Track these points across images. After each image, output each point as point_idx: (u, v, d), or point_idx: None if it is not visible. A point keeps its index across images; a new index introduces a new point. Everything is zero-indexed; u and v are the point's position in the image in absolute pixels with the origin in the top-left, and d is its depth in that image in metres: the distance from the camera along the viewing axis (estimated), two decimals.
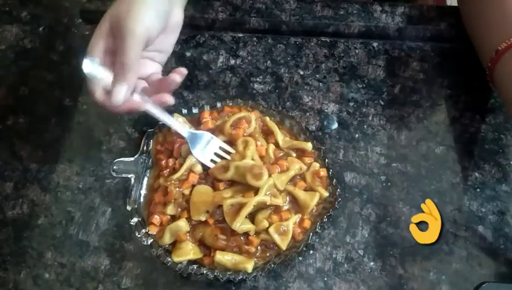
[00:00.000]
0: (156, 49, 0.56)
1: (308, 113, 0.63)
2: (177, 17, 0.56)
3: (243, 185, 0.53)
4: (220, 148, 0.56)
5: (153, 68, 0.57)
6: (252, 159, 0.55)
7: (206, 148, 0.56)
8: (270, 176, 0.54)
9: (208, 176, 0.55)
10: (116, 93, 0.49)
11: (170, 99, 0.54)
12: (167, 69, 0.66)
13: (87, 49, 0.51)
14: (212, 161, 0.56)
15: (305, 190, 0.56)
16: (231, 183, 0.55)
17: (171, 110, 0.62)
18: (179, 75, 0.53)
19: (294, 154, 0.58)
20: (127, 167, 0.58)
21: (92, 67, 0.50)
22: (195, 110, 0.61)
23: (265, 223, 0.53)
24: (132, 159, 0.58)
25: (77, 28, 0.71)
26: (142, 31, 0.50)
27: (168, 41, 0.57)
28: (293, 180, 0.56)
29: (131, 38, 0.49)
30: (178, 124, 0.56)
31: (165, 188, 0.55)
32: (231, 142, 0.57)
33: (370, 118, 0.63)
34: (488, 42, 0.57)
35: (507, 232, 0.56)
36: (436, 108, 0.64)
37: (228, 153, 0.56)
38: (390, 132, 0.62)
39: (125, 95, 0.50)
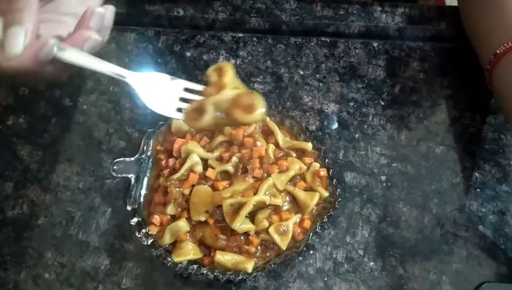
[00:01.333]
0: (69, 12, 0.44)
1: (308, 113, 0.63)
2: None
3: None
4: (186, 89, 0.43)
5: (65, 30, 0.43)
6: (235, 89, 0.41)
7: (167, 95, 0.42)
8: (269, 176, 0.54)
9: (207, 176, 0.55)
10: (11, 38, 0.37)
11: (93, 35, 0.41)
12: (167, 70, 0.67)
13: None
14: (178, 109, 0.43)
15: (305, 190, 0.56)
16: (229, 178, 0.55)
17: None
18: (103, 9, 0.41)
19: (294, 154, 0.57)
20: (127, 167, 0.57)
21: None
22: None
23: (265, 223, 0.53)
24: (132, 159, 0.58)
25: None
26: None
27: (86, 2, 0.44)
28: (293, 180, 0.56)
29: None
30: (114, 67, 0.42)
31: (165, 188, 0.55)
32: (231, 142, 0.57)
33: (370, 118, 0.63)
34: (487, 45, 0.58)
35: (507, 232, 0.56)
36: (436, 108, 0.64)
37: (199, 93, 0.42)
38: (390, 132, 0.62)
39: (25, 40, 0.37)
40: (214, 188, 0.54)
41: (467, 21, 0.64)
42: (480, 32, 0.60)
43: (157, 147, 0.58)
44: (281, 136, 0.58)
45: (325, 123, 0.63)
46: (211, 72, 0.42)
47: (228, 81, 0.41)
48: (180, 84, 0.43)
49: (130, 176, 0.57)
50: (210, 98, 0.40)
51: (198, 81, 0.65)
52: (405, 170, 0.60)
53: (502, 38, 0.55)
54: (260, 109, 0.39)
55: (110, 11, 0.42)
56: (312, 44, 0.68)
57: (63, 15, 0.43)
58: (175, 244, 0.54)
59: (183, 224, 0.53)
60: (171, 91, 0.42)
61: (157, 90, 0.42)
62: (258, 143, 0.56)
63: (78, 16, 0.42)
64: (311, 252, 0.55)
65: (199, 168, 0.55)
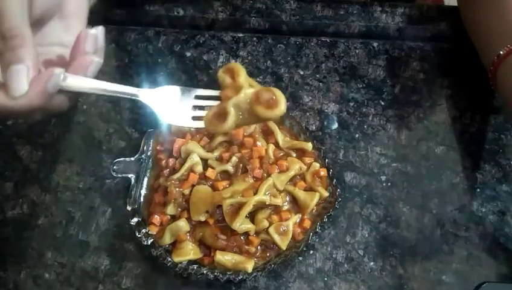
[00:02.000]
0: (55, 41, 0.42)
1: (308, 113, 0.63)
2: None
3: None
4: (197, 97, 0.42)
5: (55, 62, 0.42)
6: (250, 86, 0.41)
7: (180, 106, 0.42)
8: (269, 176, 0.54)
9: (207, 177, 0.55)
10: (14, 77, 0.35)
11: (94, 58, 0.39)
12: (167, 70, 0.67)
13: None
14: (194, 118, 0.42)
15: (305, 190, 0.56)
16: (229, 178, 0.55)
17: None
18: (94, 30, 0.39)
19: (294, 154, 0.57)
20: (127, 167, 0.57)
21: None
22: None
23: (265, 223, 0.53)
24: (132, 159, 0.58)
25: None
26: None
27: (70, 29, 0.42)
28: (293, 180, 0.56)
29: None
30: (125, 87, 0.41)
31: (165, 188, 0.55)
32: (231, 142, 0.57)
33: (370, 118, 0.63)
34: (489, 46, 0.57)
35: (507, 232, 0.56)
36: (436, 108, 0.64)
37: (214, 98, 0.42)
38: (390, 132, 0.62)
39: (28, 77, 0.35)
40: (214, 188, 0.54)
41: (467, 21, 0.64)
42: (482, 32, 0.60)
43: (157, 147, 0.58)
44: (281, 136, 0.58)
45: (325, 123, 0.63)
46: (223, 75, 0.42)
47: (243, 81, 0.41)
48: (192, 92, 0.43)
49: (130, 176, 0.57)
50: (230, 100, 0.39)
51: (198, 81, 0.66)
52: (405, 170, 0.60)
53: (504, 39, 0.55)
54: (282, 102, 0.39)
55: (100, 32, 0.40)
56: (312, 44, 0.68)
57: (50, 46, 0.42)
58: (175, 244, 0.54)
59: (183, 224, 0.53)
60: (183, 101, 0.42)
61: (171, 103, 0.41)
62: (258, 143, 0.56)
63: (64, 45, 0.41)
64: (311, 252, 0.55)
65: (199, 168, 0.55)
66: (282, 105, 0.38)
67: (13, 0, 0.35)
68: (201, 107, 0.41)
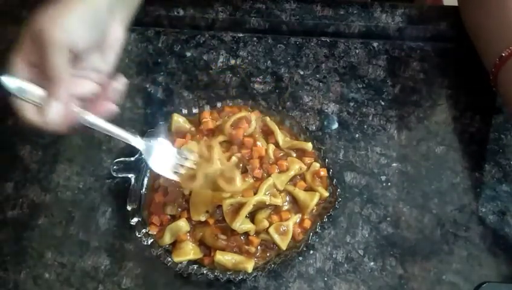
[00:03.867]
0: (91, 67, 0.50)
1: (308, 113, 0.63)
2: (117, 33, 0.51)
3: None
4: (179, 153, 0.53)
5: (89, 88, 0.50)
6: (220, 163, 0.52)
7: (166, 159, 0.53)
8: (269, 176, 0.54)
9: None
10: (47, 110, 0.45)
11: (113, 107, 0.49)
12: (166, 69, 0.67)
13: (9, 63, 0.46)
14: (175, 172, 0.52)
15: (305, 190, 0.56)
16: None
17: (171, 111, 0.62)
18: (119, 83, 0.49)
19: (295, 154, 0.57)
20: (127, 167, 0.57)
21: (17, 83, 0.45)
22: (195, 110, 0.61)
23: (266, 223, 0.53)
24: (132, 159, 0.58)
25: None
26: (62, 38, 0.45)
27: (106, 59, 0.51)
28: (293, 180, 0.56)
29: (51, 47, 0.44)
30: (127, 134, 0.51)
31: (165, 188, 0.55)
32: (231, 142, 0.57)
33: (370, 118, 0.63)
34: (491, 48, 0.57)
35: (507, 232, 0.56)
36: (436, 108, 0.64)
37: (192, 160, 0.53)
38: (390, 132, 0.62)
39: (58, 112, 0.45)
40: None
41: (468, 22, 0.64)
42: (483, 33, 0.60)
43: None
44: (281, 136, 0.58)
45: (325, 123, 0.63)
46: (202, 146, 0.53)
47: (215, 157, 0.52)
48: (179, 152, 0.53)
49: (130, 176, 0.57)
50: (201, 168, 0.51)
51: (198, 81, 0.66)
52: (405, 170, 0.60)
53: (506, 41, 0.55)
54: (238, 182, 0.51)
55: (124, 85, 0.50)
56: (312, 44, 0.68)
57: (88, 71, 0.50)
58: (175, 244, 0.54)
59: (183, 224, 0.53)
60: (170, 156, 0.53)
61: (159, 155, 0.52)
62: (258, 143, 0.56)
63: (98, 71, 0.50)
64: (311, 252, 0.55)
65: None
66: (238, 184, 0.51)
67: (55, 50, 0.44)
68: (180, 165, 0.52)
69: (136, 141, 0.52)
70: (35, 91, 0.46)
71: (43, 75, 0.46)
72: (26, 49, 0.46)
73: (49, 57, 0.45)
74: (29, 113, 0.46)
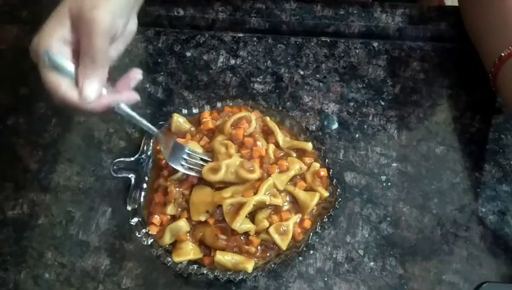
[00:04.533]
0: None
1: (308, 113, 0.63)
2: (133, 23, 0.53)
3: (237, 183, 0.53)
4: (193, 155, 0.55)
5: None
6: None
7: (179, 154, 0.55)
8: (269, 176, 0.54)
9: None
10: (87, 89, 0.46)
11: (135, 95, 0.51)
12: (166, 69, 0.67)
13: (40, 38, 0.46)
14: (190, 168, 0.54)
15: (305, 190, 0.56)
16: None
17: (171, 111, 0.62)
18: (137, 73, 0.51)
19: (295, 154, 0.57)
20: (127, 167, 0.58)
21: (58, 58, 0.45)
22: (195, 110, 0.61)
23: (266, 223, 0.53)
24: (132, 159, 0.58)
25: None
26: (110, 21, 0.46)
27: (117, 48, 0.51)
28: (293, 180, 0.56)
29: (99, 28, 0.45)
30: (147, 123, 0.53)
31: (165, 188, 0.55)
32: (231, 142, 0.57)
33: (370, 118, 0.63)
34: (490, 48, 0.57)
35: (507, 232, 0.56)
36: (436, 108, 0.64)
37: (206, 161, 0.55)
38: (390, 132, 0.62)
39: (97, 92, 0.46)
40: (214, 188, 0.54)
41: (468, 22, 0.64)
42: (483, 33, 0.60)
43: (157, 147, 0.58)
44: (281, 136, 0.58)
45: (325, 123, 0.63)
46: (219, 146, 0.55)
47: (233, 152, 0.55)
48: (197, 155, 0.55)
49: (130, 176, 0.57)
50: (224, 161, 0.54)
51: (198, 81, 0.66)
52: (405, 170, 0.60)
53: (505, 41, 0.55)
54: (257, 171, 0.53)
55: (140, 74, 0.52)
56: (312, 44, 0.68)
57: None
58: (175, 244, 0.54)
59: (183, 224, 0.53)
60: (182, 152, 0.55)
61: (180, 154, 0.55)
62: (258, 143, 0.56)
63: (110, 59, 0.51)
64: (311, 252, 0.55)
65: None
66: (256, 171, 0.53)
67: (102, 33, 0.45)
68: (192, 161, 0.55)
69: (157, 135, 0.54)
70: (73, 68, 0.46)
71: (82, 55, 0.46)
72: (65, 29, 0.46)
73: (95, 37, 0.45)
74: (65, 88, 0.46)
